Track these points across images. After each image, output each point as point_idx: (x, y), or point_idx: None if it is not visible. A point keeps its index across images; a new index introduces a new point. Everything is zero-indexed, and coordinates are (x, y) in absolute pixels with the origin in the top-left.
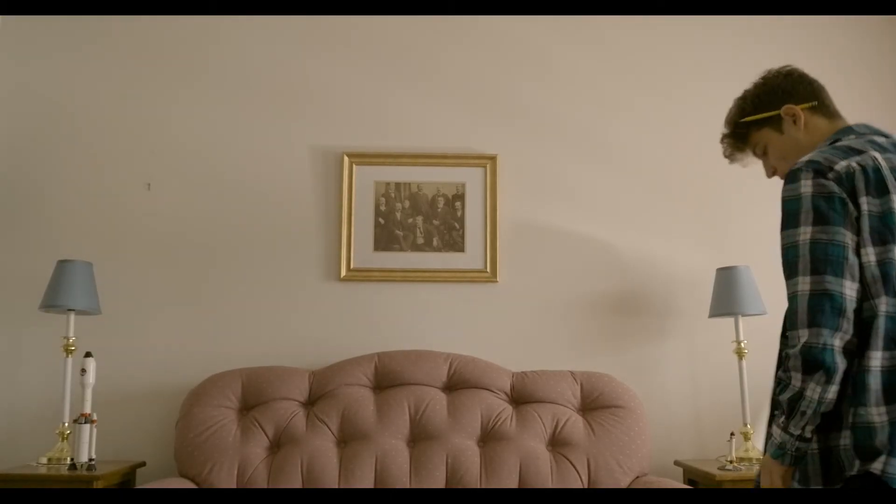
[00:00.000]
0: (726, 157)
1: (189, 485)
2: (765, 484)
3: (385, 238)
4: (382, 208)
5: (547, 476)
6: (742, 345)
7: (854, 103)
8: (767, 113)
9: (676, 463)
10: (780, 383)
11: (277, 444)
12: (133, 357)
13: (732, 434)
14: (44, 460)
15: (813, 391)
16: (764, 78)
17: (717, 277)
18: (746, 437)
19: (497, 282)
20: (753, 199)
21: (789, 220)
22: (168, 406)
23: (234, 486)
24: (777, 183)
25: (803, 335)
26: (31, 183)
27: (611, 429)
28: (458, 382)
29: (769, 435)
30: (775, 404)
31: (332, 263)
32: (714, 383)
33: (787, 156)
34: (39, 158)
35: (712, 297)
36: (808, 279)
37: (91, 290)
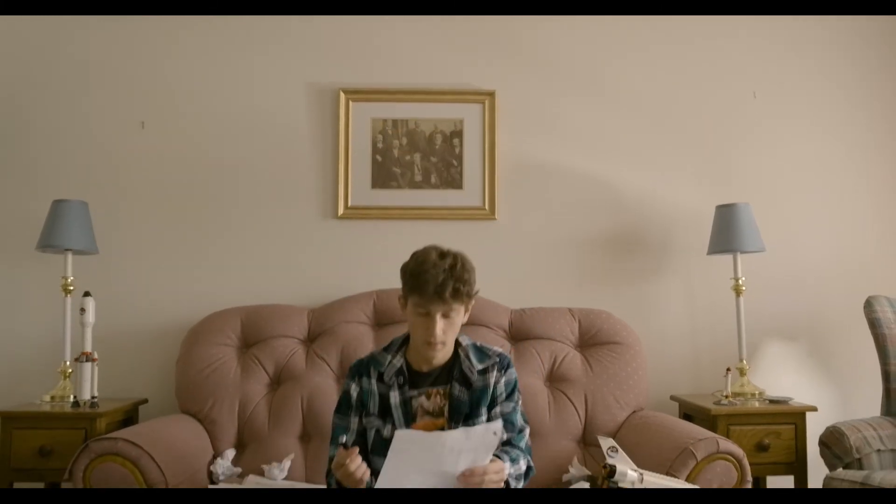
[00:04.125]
0: (452, 297)
1: (192, 421)
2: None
3: (382, 175)
4: (379, 145)
5: (545, 412)
6: (740, 282)
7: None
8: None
9: (673, 398)
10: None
11: (277, 381)
12: (132, 296)
13: (728, 369)
14: (47, 398)
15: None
16: (468, 265)
17: (717, 215)
18: (742, 372)
19: (496, 219)
20: (754, 137)
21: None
22: (168, 344)
23: (235, 422)
24: (780, 124)
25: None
26: (24, 123)
27: (608, 365)
28: None
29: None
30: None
31: (330, 201)
32: (711, 320)
33: (456, 333)
34: (32, 98)
35: (711, 235)
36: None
37: (87, 229)
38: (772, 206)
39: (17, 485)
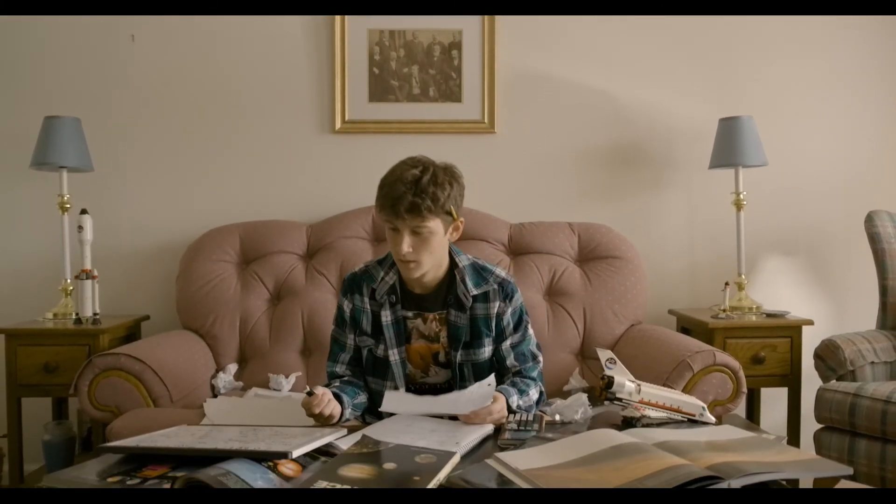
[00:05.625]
0: (407, 212)
1: (193, 337)
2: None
3: (380, 89)
4: (377, 57)
5: (544, 325)
6: (741, 196)
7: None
8: (455, 216)
9: (671, 312)
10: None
11: (277, 297)
12: (129, 213)
13: (727, 284)
14: (49, 315)
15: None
16: (459, 179)
17: (720, 128)
18: (740, 287)
19: (495, 132)
20: (758, 48)
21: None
22: (167, 261)
23: (236, 337)
24: (786, 35)
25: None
26: (12, 38)
27: (607, 279)
28: None
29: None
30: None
31: (326, 115)
32: (711, 234)
33: (434, 252)
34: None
35: (713, 148)
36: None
37: (82, 146)
38: (775, 119)
39: (24, 400)
